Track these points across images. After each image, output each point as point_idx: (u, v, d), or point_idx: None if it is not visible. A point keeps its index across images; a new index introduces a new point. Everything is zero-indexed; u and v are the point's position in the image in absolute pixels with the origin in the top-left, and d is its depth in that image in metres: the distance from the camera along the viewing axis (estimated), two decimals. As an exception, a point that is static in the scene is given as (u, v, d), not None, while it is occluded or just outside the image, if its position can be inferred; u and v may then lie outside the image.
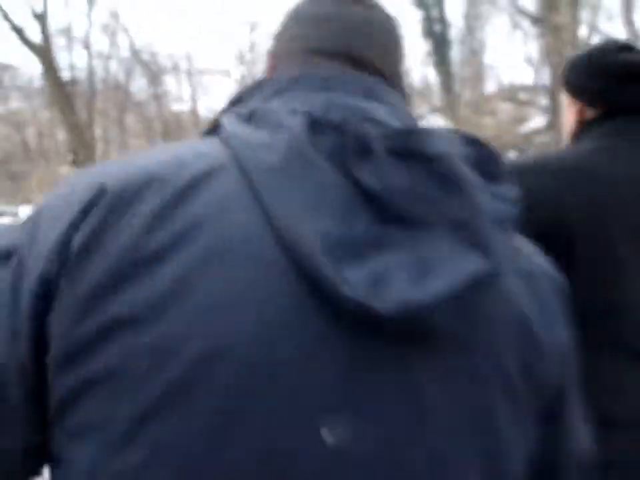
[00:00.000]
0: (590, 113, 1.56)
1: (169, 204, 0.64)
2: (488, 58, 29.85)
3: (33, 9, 18.77)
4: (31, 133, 22.85)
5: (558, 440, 0.83)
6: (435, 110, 27.92)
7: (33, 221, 0.68)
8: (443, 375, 0.66)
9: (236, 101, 0.79)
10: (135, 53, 26.58)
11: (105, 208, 0.64)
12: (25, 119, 23.07)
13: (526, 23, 20.80)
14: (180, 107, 30.88)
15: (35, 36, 18.98)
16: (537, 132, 17.65)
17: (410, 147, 0.66)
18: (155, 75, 27.81)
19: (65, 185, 0.72)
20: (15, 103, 24.72)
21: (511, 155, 15.13)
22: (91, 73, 23.82)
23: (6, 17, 17.67)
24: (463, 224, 0.64)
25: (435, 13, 23.84)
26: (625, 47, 1.56)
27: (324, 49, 0.81)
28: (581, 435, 0.87)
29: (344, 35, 0.82)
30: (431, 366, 0.65)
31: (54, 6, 40.95)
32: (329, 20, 0.83)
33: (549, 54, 15.69)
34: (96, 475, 0.63)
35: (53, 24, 22.49)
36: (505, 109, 20.58)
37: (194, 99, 31.98)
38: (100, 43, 25.90)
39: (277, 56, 0.86)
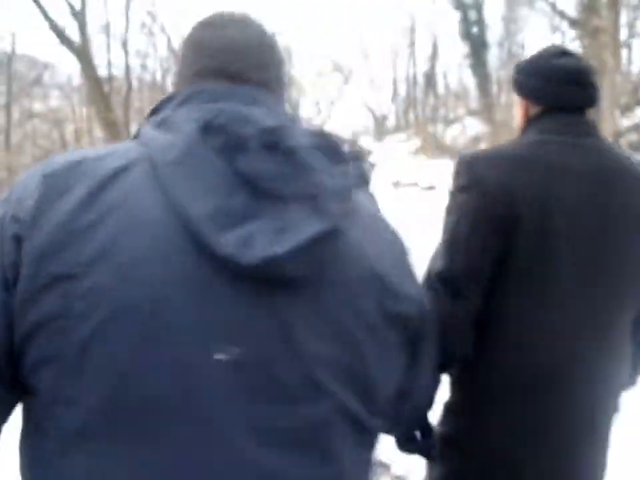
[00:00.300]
0: (534, 110, 1.79)
1: (94, 190, 0.90)
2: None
3: (71, 7, 18.96)
4: (69, 131, 23.14)
5: (416, 370, 1.13)
6: (471, 113, 27.78)
7: (7, 199, 0.94)
8: (305, 311, 0.92)
9: (153, 111, 1.03)
10: (172, 51, 26.82)
11: (44, 189, 0.91)
12: (63, 116, 23.38)
13: (565, 26, 20.56)
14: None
15: (74, 34, 19.17)
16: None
17: (274, 141, 0.91)
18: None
19: (26, 173, 0.98)
20: (55, 101, 25.07)
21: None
22: (127, 71, 24.08)
23: (45, 16, 17.88)
24: (310, 197, 0.90)
25: (473, 15, 23.68)
26: (565, 53, 1.79)
27: (207, 70, 1.05)
28: (430, 370, 1.21)
29: (221, 56, 1.06)
30: (293, 303, 0.91)
31: (92, 4, 41.51)
32: (210, 46, 1.07)
33: (587, 57, 15.51)
34: (55, 399, 0.87)
35: (91, 22, 22.65)
36: (542, 112, 20.37)
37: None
38: (138, 41, 26.11)
39: (178, 79, 1.11)
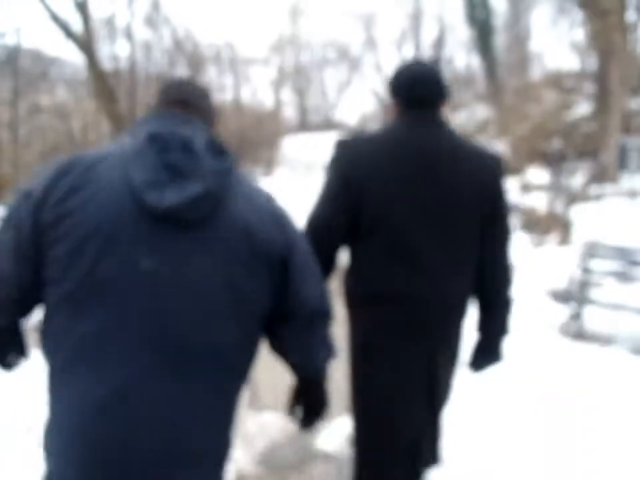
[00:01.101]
0: (399, 107, 2.42)
1: (83, 170, 1.67)
2: (533, 44, 29.35)
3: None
4: (76, 125, 23.13)
5: (288, 293, 1.81)
6: (478, 98, 27.62)
7: (35, 180, 1.70)
8: (199, 245, 1.64)
9: (136, 124, 1.80)
10: (177, 43, 26.76)
11: (51, 179, 1.68)
12: (70, 110, 23.37)
13: (572, 7, 20.38)
14: (222, 96, 31.03)
15: (78, 26, 19.14)
16: (582, 119, 17.31)
17: (186, 145, 1.67)
18: (197, 65, 27.94)
19: (48, 166, 1.73)
20: (61, 95, 25.05)
21: (556, 143, 14.88)
22: (132, 63, 24.01)
23: (48, 9, 17.86)
24: (199, 174, 1.64)
25: (478, -1, 23.51)
26: (418, 63, 2.46)
27: (168, 100, 1.89)
28: (311, 291, 1.85)
29: (178, 94, 1.89)
30: (192, 237, 1.64)
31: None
32: (174, 87, 1.93)
33: (595, 38, 15.37)
34: (57, 309, 1.66)
35: (96, 14, 22.58)
36: (551, 95, 20.20)
37: (236, 88, 32.11)
38: (143, 33, 26.03)
39: (152, 105, 1.93)
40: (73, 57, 26.27)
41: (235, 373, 1.79)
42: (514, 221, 12.86)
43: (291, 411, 2.07)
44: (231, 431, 1.82)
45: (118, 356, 1.59)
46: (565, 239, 10.27)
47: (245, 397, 4.54)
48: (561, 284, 6.38)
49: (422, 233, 2.29)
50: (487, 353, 2.55)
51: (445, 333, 2.40)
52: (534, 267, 7.78)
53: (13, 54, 21.75)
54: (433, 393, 2.43)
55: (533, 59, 28.76)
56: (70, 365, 1.63)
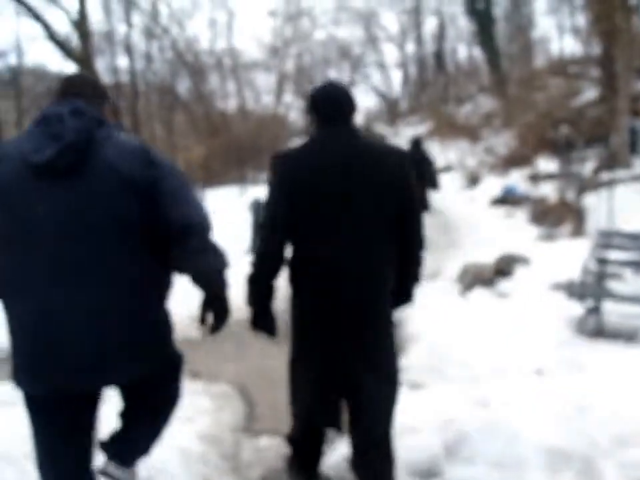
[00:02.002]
0: (317, 122, 3.02)
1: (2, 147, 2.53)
2: (535, 33, 29.01)
3: (69, 17, 18.85)
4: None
5: (160, 214, 2.42)
6: (482, 89, 27.37)
7: None
8: (76, 185, 2.35)
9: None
10: (178, 53, 26.66)
11: None
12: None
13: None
14: (226, 103, 30.90)
15: (77, 42, 19.09)
16: (589, 105, 17.00)
17: (58, 116, 2.40)
18: (199, 74, 27.84)
19: None
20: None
21: (564, 130, 14.60)
22: (133, 75, 23.92)
23: (45, 28, 17.80)
24: (65, 135, 2.35)
25: (477, -10, 23.28)
26: (332, 84, 3.11)
27: (59, 92, 2.57)
28: (181, 211, 2.43)
29: (65, 86, 2.58)
30: (70, 180, 2.35)
31: (93, 11, 41.36)
32: (63, 82, 2.62)
33: (598, 22, 15.07)
34: None
35: (95, 27, 22.47)
36: (556, 83, 19.91)
37: (240, 94, 31.96)
38: (143, 45, 25.91)
39: (54, 97, 2.60)
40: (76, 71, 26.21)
41: (121, 275, 2.43)
42: (523, 213, 12.64)
43: (202, 319, 2.57)
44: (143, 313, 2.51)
45: (35, 285, 2.37)
46: (578, 230, 10.00)
47: (240, 420, 4.32)
48: (575, 277, 6.08)
49: (338, 215, 2.89)
50: (401, 297, 3.21)
51: (364, 295, 2.96)
52: (545, 260, 7.51)
53: (16, 73, 21.73)
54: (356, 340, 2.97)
55: (535, 47, 28.47)
56: (5, 292, 2.45)
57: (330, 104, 2.98)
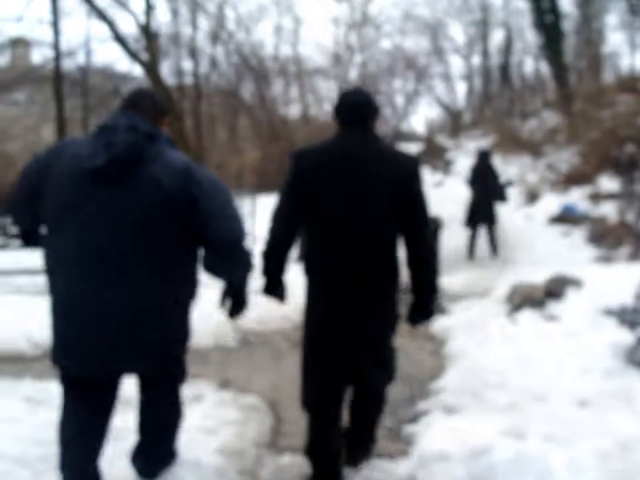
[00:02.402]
0: (338, 125, 3.30)
1: (60, 147, 2.96)
2: (605, 48, 28.29)
3: (137, 21, 19.10)
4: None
5: (200, 227, 2.86)
6: (547, 104, 26.81)
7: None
8: (122, 193, 2.76)
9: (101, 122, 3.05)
10: (243, 58, 26.82)
11: (43, 155, 2.99)
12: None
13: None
14: (289, 109, 30.98)
15: (143, 44, 19.36)
16: (658, 123, 16.42)
17: (114, 127, 2.81)
18: (263, 79, 27.97)
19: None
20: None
21: (629, 148, 14.13)
22: (196, 78, 24.16)
23: (112, 30, 18.08)
24: (115, 148, 2.75)
25: (545, 3, 22.79)
26: (355, 91, 3.40)
27: (122, 104, 3.01)
28: (220, 226, 2.85)
29: (128, 100, 3.02)
30: (118, 188, 2.76)
31: (161, 13, 41.90)
32: (127, 95, 3.09)
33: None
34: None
35: (162, 30, 22.81)
36: (624, 100, 19.33)
37: (303, 100, 32.01)
38: (209, 48, 26.14)
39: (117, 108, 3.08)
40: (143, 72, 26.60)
41: (163, 269, 2.83)
42: (581, 233, 12.25)
43: (222, 304, 3.09)
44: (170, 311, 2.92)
45: (75, 270, 2.77)
46: (636, 253, 9.62)
47: (265, 434, 4.19)
48: (628, 303, 5.80)
49: (343, 211, 3.14)
50: (420, 310, 3.33)
51: (367, 284, 3.17)
52: (599, 283, 7.20)
53: (84, 72, 22.16)
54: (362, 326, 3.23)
55: (605, 62, 27.78)
56: (53, 269, 2.85)
57: (348, 108, 3.27)
